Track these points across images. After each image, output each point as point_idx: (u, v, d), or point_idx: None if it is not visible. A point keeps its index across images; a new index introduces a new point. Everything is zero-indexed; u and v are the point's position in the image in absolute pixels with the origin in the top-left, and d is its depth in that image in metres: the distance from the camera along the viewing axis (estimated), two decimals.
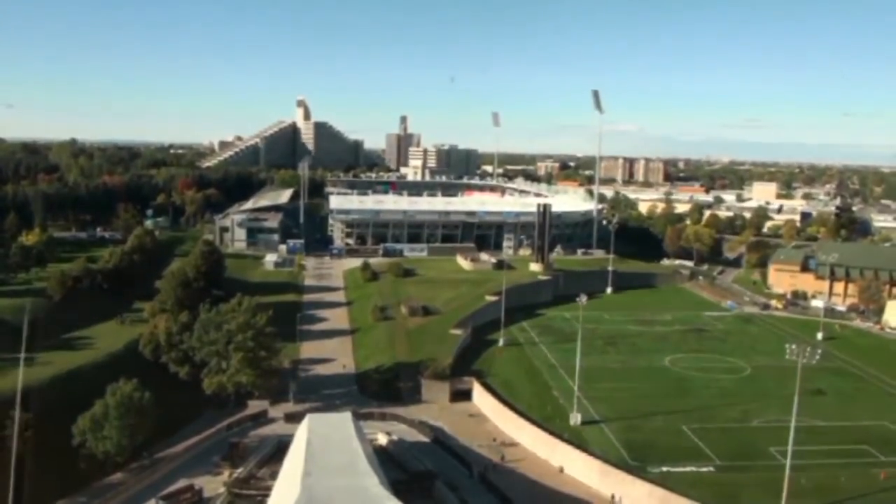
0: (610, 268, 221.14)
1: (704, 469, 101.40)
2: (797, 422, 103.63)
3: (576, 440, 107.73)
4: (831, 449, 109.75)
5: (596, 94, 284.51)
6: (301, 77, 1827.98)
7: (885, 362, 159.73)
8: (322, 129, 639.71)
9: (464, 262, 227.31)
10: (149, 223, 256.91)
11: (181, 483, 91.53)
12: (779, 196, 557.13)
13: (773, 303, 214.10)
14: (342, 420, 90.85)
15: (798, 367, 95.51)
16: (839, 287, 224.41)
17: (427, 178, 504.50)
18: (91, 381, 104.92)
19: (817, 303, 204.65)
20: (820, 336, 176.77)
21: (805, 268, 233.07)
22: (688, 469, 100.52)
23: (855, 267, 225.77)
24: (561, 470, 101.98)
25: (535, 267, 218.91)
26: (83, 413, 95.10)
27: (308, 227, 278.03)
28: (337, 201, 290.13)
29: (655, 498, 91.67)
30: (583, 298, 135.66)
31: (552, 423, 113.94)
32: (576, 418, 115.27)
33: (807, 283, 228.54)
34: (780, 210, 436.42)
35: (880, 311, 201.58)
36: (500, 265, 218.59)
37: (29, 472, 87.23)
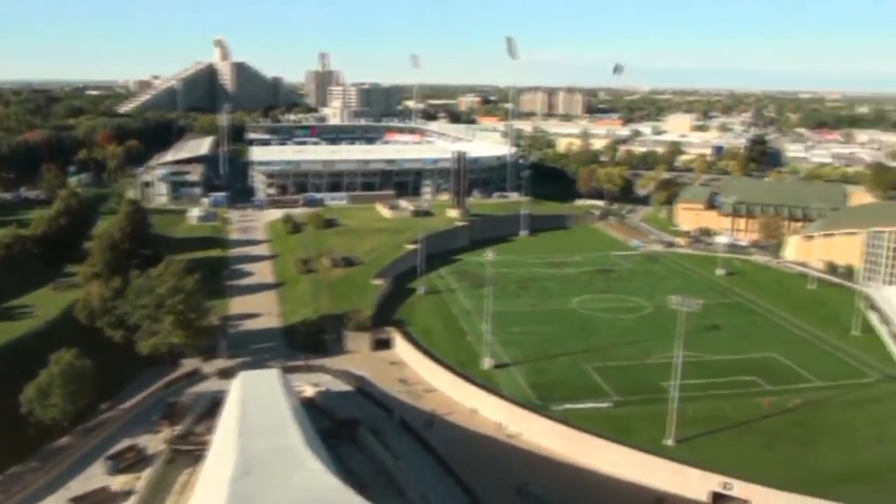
0: (523, 211, 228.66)
1: (603, 405, 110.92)
2: (692, 357, 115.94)
3: (487, 383, 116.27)
4: (721, 381, 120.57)
5: (509, 41, 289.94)
6: (218, 10, 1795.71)
7: (780, 296, 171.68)
8: (241, 70, 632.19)
9: (384, 211, 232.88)
10: (72, 181, 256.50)
11: (125, 443, 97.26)
12: (693, 128, 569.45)
13: (678, 240, 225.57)
14: (271, 377, 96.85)
15: (680, 317, 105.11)
16: (742, 224, 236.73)
17: (348, 119, 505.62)
18: (34, 349, 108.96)
19: (721, 239, 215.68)
20: (720, 272, 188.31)
21: (710, 206, 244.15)
22: (587, 405, 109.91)
23: (757, 204, 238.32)
24: (474, 412, 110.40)
25: (452, 213, 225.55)
26: (29, 382, 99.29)
27: (230, 177, 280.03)
28: (258, 152, 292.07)
29: (556, 433, 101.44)
30: (489, 254, 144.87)
31: (466, 368, 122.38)
32: (487, 362, 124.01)
33: (711, 220, 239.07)
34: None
35: (780, 246, 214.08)
36: (418, 212, 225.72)
37: None
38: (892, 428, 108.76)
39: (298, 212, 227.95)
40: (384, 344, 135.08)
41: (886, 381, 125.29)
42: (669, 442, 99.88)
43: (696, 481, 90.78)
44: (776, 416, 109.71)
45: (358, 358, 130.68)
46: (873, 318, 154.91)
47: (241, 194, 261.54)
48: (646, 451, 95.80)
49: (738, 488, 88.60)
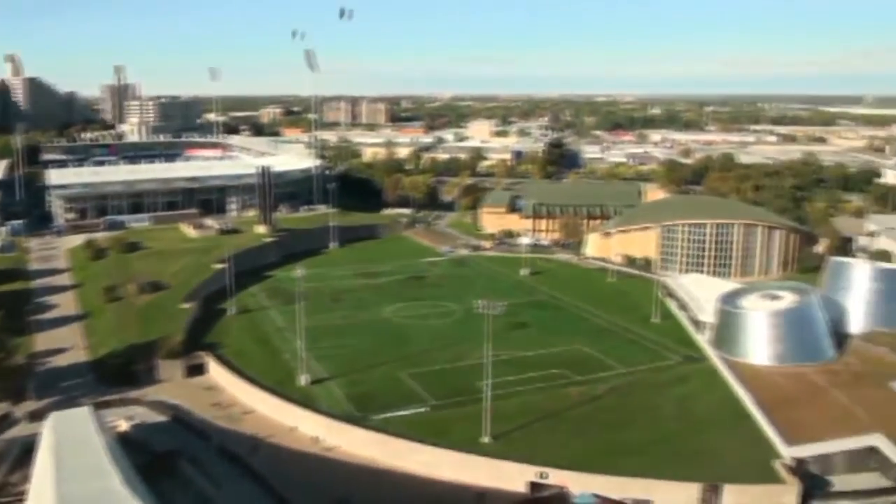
0: (332, 223, 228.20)
1: (421, 410, 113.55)
2: (503, 356, 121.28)
3: (305, 400, 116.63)
4: (532, 376, 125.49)
5: (308, 54, 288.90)
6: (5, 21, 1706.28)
7: (583, 291, 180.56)
8: (34, 86, 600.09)
9: (189, 230, 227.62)
10: None
11: None
12: (494, 134, 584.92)
13: (484, 244, 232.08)
14: (83, 415, 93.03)
15: (487, 320, 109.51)
16: (544, 224, 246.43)
17: (147, 135, 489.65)
18: None
19: (524, 241, 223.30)
20: (525, 272, 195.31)
21: (512, 209, 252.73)
22: (405, 412, 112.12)
23: (556, 205, 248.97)
24: (294, 429, 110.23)
25: (260, 229, 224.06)
26: None
27: (27, 202, 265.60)
28: (55, 175, 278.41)
29: (374, 442, 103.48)
30: (298, 271, 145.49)
31: (283, 387, 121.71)
32: (304, 379, 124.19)
33: (514, 223, 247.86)
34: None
35: (580, 243, 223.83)
36: (225, 230, 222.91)
37: None
38: (693, 404, 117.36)
39: (101, 235, 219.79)
40: (198, 369, 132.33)
41: (686, 363, 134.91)
42: (486, 439, 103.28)
43: (513, 474, 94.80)
44: (585, 405, 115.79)
45: (171, 386, 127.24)
46: (671, 304, 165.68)
47: (41, 221, 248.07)
48: (463, 451, 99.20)
49: (554, 476, 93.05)
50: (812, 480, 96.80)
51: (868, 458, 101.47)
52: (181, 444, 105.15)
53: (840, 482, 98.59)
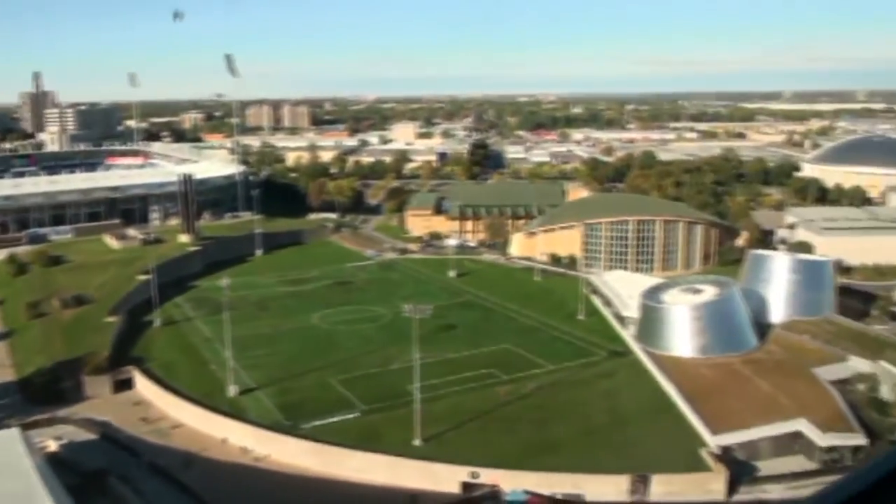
0: (257, 230, 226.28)
1: (351, 416, 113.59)
2: (431, 358, 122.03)
3: (234, 410, 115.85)
4: (461, 377, 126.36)
5: (228, 59, 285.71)
6: None
7: (509, 290, 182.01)
8: None
9: (111, 241, 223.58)
10: None
11: None
12: (418, 136, 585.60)
13: (411, 247, 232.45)
14: (11, 438, 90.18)
15: (414, 324, 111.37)
16: (470, 226, 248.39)
17: (67, 144, 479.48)
18: None
19: (450, 242, 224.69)
20: (452, 273, 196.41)
21: (438, 210, 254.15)
22: (336, 419, 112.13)
23: (481, 206, 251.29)
24: (224, 441, 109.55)
25: (183, 238, 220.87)
26: None
27: None
28: None
29: (305, 450, 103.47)
30: (223, 280, 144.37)
31: (212, 398, 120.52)
32: (232, 389, 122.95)
33: (440, 224, 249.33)
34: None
35: (506, 243, 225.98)
36: (148, 240, 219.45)
37: None
38: (620, 398, 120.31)
39: (22, 250, 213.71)
40: (125, 384, 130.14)
41: (612, 358, 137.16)
42: (417, 442, 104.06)
43: (445, 475, 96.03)
44: (514, 403, 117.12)
45: (99, 403, 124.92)
46: (597, 301, 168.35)
47: None
48: (395, 454, 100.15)
49: (485, 475, 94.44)
50: (739, 467, 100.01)
51: (793, 443, 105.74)
52: (111, 462, 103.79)
53: (766, 467, 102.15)
